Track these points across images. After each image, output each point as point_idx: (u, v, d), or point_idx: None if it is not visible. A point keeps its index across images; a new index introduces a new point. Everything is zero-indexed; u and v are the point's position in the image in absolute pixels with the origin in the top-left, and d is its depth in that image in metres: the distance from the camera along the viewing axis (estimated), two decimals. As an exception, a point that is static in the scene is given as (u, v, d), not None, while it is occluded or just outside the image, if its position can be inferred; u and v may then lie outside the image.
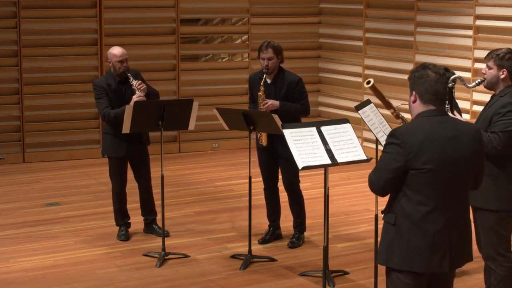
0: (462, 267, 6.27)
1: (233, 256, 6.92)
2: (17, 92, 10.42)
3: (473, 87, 5.51)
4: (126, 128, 6.75)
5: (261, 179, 7.30)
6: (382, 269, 4.32)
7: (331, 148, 5.33)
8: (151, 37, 10.92)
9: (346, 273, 6.55)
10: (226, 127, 6.89)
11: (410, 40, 10.23)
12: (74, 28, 10.58)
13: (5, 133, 10.42)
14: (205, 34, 11.68)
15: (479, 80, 5.35)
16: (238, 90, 11.36)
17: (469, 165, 4.12)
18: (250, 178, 6.76)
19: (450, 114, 5.29)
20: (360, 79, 11.00)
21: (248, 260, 6.75)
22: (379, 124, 6.10)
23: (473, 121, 8.59)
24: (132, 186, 7.60)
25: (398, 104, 6.40)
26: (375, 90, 6.26)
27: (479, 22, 9.36)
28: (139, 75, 7.31)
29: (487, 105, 5.27)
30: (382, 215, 4.28)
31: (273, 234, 7.34)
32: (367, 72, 10.89)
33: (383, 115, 6.23)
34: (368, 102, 6.31)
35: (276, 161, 7.11)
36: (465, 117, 8.60)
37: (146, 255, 6.95)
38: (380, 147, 5.41)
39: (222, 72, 11.38)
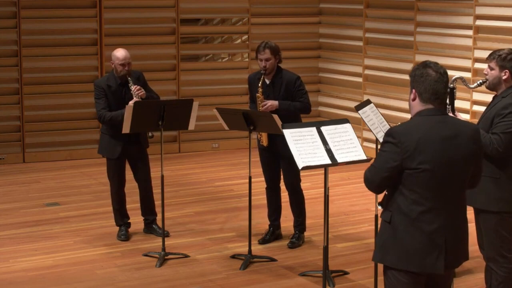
0: (463, 267, 6.30)
1: (233, 256, 6.92)
2: (17, 92, 10.42)
3: (474, 87, 5.51)
4: (126, 128, 6.75)
5: (261, 179, 7.30)
6: (382, 269, 4.31)
7: (331, 148, 5.33)
8: (151, 37, 10.92)
9: (346, 273, 6.55)
10: (226, 127, 6.89)
11: (410, 40, 10.23)
12: (74, 28, 10.58)
13: (5, 133, 10.42)
14: (205, 34, 11.69)
15: (481, 81, 5.34)
16: (238, 90, 11.36)
17: (466, 165, 4.11)
18: (250, 178, 6.76)
19: (451, 114, 5.30)
20: (360, 79, 11.01)
21: (248, 260, 6.75)
22: (379, 124, 6.10)
23: (474, 121, 8.62)
24: (132, 186, 7.60)
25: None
26: None
27: (479, 22, 9.36)
28: (141, 77, 7.31)
29: (489, 106, 5.26)
30: (380, 207, 4.28)
31: (273, 234, 7.34)
32: (367, 72, 10.89)
33: (383, 115, 6.23)
34: (368, 102, 6.31)
35: (278, 161, 7.11)
36: (465, 117, 8.61)
37: (146, 255, 6.95)
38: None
39: (222, 72, 11.38)
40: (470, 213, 4.45)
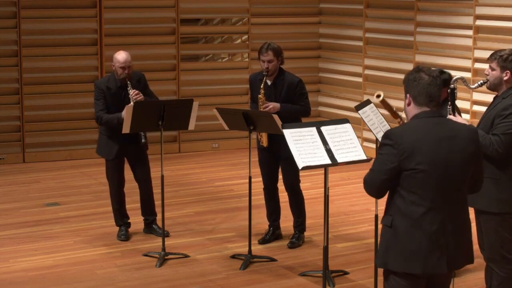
0: (463, 267, 6.29)
1: (233, 256, 6.92)
2: (17, 92, 10.42)
3: (475, 88, 5.50)
4: (126, 128, 6.75)
5: (261, 179, 7.30)
6: (381, 269, 4.32)
7: (331, 148, 5.33)
8: (151, 37, 10.92)
9: (346, 273, 6.55)
10: (226, 127, 6.89)
11: (410, 40, 10.23)
12: (74, 28, 10.58)
13: (5, 133, 10.42)
14: (205, 34, 11.69)
15: (481, 81, 5.34)
16: (238, 90, 11.36)
17: (464, 166, 4.11)
18: (250, 178, 6.76)
19: (451, 115, 5.30)
20: (360, 79, 11.01)
21: (248, 260, 6.75)
22: (379, 124, 6.10)
23: (474, 121, 8.62)
24: (132, 186, 7.60)
25: (401, 115, 6.40)
26: (384, 104, 6.27)
27: (479, 22, 9.36)
28: (142, 80, 7.31)
29: (490, 107, 5.26)
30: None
31: (273, 234, 7.34)
32: (367, 72, 10.89)
33: (383, 115, 6.23)
34: (368, 102, 6.31)
35: (276, 161, 7.11)
36: (465, 117, 8.60)
37: (146, 255, 6.95)
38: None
39: (222, 72, 11.38)
40: (470, 213, 4.45)
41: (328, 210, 5.64)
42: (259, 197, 7.74)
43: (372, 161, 4.27)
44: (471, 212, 4.50)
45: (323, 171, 5.54)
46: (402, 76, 10.42)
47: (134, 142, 7.20)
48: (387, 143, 4.08)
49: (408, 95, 4.16)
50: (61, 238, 7.46)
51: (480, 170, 4.26)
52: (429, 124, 4.09)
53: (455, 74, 6.03)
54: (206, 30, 11.69)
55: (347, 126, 5.50)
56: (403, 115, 6.24)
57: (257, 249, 7.04)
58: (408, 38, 10.27)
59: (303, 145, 5.31)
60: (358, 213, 8.23)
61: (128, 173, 7.44)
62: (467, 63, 9.47)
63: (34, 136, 10.54)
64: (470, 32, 9.45)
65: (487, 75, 5.26)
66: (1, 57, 10.30)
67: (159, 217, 7.34)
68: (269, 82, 7.01)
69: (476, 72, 9.32)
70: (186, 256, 6.93)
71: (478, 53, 9.29)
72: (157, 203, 7.42)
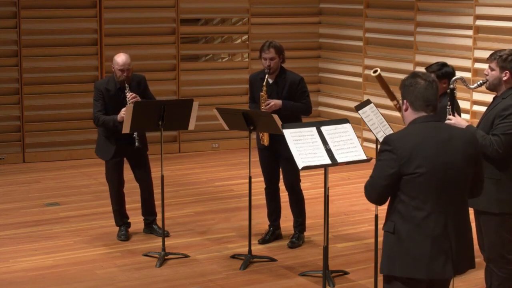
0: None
1: (233, 256, 6.92)
2: (17, 92, 10.42)
3: (475, 88, 5.50)
4: (126, 128, 6.75)
5: (261, 179, 7.30)
6: (383, 280, 4.31)
7: (331, 148, 5.33)
8: (151, 37, 10.92)
9: (346, 273, 6.55)
10: (226, 127, 6.89)
11: (410, 40, 10.23)
12: (74, 28, 10.58)
13: (5, 133, 10.42)
14: (205, 34, 11.69)
15: (481, 81, 5.34)
16: (238, 90, 11.36)
17: (463, 169, 4.11)
18: (250, 178, 6.76)
19: (450, 116, 5.30)
20: (360, 79, 11.01)
21: (248, 260, 6.75)
22: (379, 124, 6.10)
23: (474, 121, 8.62)
24: (131, 186, 7.60)
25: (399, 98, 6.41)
26: (380, 80, 6.28)
27: (479, 22, 9.36)
28: (142, 82, 7.30)
29: (489, 107, 5.25)
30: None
31: (273, 234, 7.34)
32: (367, 72, 10.89)
33: (383, 115, 6.23)
34: (368, 102, 6.31)
35: (277, 161, 7.11)
36: (465, 117, 8.61)
37: (146, 255, 6.95)
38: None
39: (222, 72, 11.38)
40: (470, 213, 4.45)
41: (328, 210, 5.64)
42: (259, 197, 7.74)
43: (372, 161, 4.27)
44: (471, 212, 4.49)
45: (323, 171, 5.54)
46: (402, 76, 10.44)
47: (132, 143, 7.19)
48: (386, 149, 4.09)
49: (405, 100, 4.17)
50: (61, 238, 7.46)
51: (480, 173, 4.26)
52: (427, 128, 4.10)
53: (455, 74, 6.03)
54: (206, 30, 11.69)
55: (347, 126, 5.50)
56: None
57: (257, 249, 7.04)
58: (408, 38, 10.27)
59: (303, 145, 5.31)
60: (358, 213, 8.23)
61: (128, 173, 7.44)
62: (467, 63, 9.47)
63: (34, 136, 10.54)
64: (470, 32, 9.45)
65: (487, 75, 5.25)
66: (1, 57, 10.30)
67: (159, 217, 7.34)
68: (270, 81, 7.01)
69: (476, 72, 9.32)
70: (186, 256, 6.93)
71: (478, 53, 9.29)
72: (157, 203, 7.42)
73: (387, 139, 4.12)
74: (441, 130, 4.12)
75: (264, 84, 6.94)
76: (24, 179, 9.66)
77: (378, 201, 4.22)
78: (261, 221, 7.63)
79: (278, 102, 6.91)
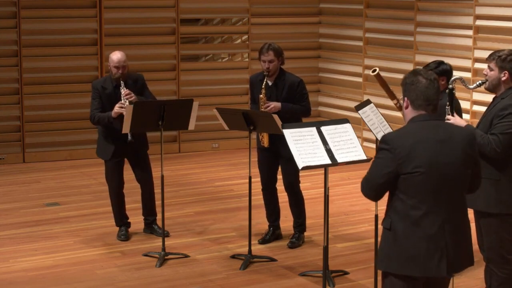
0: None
1: (233, 256, 6.92)
2: (17, 92, 10.42)
3: (474, 88, 5.50)
4: (126, 128, 6.75)
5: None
6: (381, 278, 4.32)
7: (331, 148, 5.33)
8: (151, 37, 10.92)
9: (346, 273, 6.55)
10: (226, 127, 6.89)
11: (410, 40, 10.23)
12: (74, 28, 10.58)
13: (5, 133, 10.42)
14: (205, 34, 11.68)
15: (480, 82, 5.34)
16: (238, 90, 11.36)
17: (461, 168, 4.12)
18: (250, 178, 6.76)
19: (449, 116, 5.30)
20: (360, 79, 11.01)
21: (248, 260, 6.75)
22: (379, 124, 6.10)
23: (474, 121, 8.62)
24: (131, 186, 7.60)
25: (399, 97, 6.42)
26: (379, 79, 6.28)
27: (479, 22, 9.36)
28: (139, 81, 7.29)
29: (489, 107, 5.25)
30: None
31: (273, 234, 7.34)
32: (367, 72, 10.88)
33: (383, 115, 6.24)
34: (368, 102, 6.32)
35: (276, 162, 7.11)
36: (465, 117, 8.60)
37: (146, 255, 6.95)
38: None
39: (222, 72, 11.38)
40: (470, 213, 4.45)
41: (328, 210, 5.64)
42: (259, 197, 7.73)
43: (371, 161, 4.28)
44: (470, 213, 4.50)
45: (323, 171, 5.54)
46: (402, 76, 10.43)
47: (131, 143, 7.18)
48: (384, 148, 4.10)
49: (405, 98, 4.17)
50: (61, 238, 7.46)
51: (478, 171, 4.27)
52: (426, 127, 4.10)
53: (455, 74, 6.03)
54: (206, 30, 11.69)
55: (347, 126, 5.50)
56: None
57: (257, 249, 7.04)
58: (408, 38, 10.27)
59: (303, 145, 5.31)
60: (358, 213, 8.23)
61: (128, 173, 7.44)
62: (467, 63, 9.47)
63: (34, 136, 10.54)
64: (470, 32, 9.45)
65: (486, 75, 5.26)
66: (1, 57, 10.30)
67: (159, 217, 7.34)
68: (270, 83, 7.01)
69: (476, 72, 9.32)
70: (186, 256, 6.93)
71: (478, 53, 9.29)
72: (157, 203, 7.42)
73: (385, 137, 4.13)
74: (440, 129, 4.12)
75: (263, 86, 6.94)
76: (24, 179, 9.66)
77: (373, 198, 4.24)
78: (261, 221, 7.63)
79: (278, 104, 6.91)
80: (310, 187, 8.76)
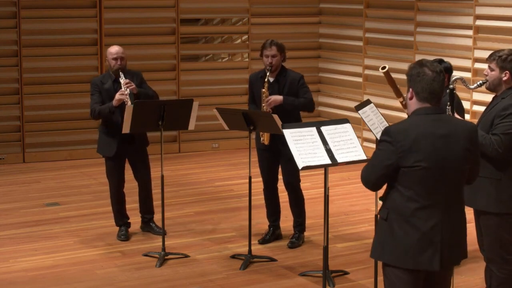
0: (464, 267, 6.30)
1: (233, 256, 6.92)
2: (17, 92, 10.42)
3: (474, 88, 5.50)
4: (126, 128, 6.75)
5: (261, 179, 7.30)
6: (381, 268, 4.32)
7: (331, 148, 5.33)
8: (151, 37, 10.92)
9: (346, 273, 6.55)
10: (226, 127, 6.89)
11: (410, 40, 10.23)
12: (74, 28, 10.58)
13: (5, 133, 10.42)
14: (205, 34, 11.68)
15: (480, 82, 5.34)
16: (238, 90, 11.36)
17: (462, 163, 4.13)
18: (250, 178, 6.76)
19: (450, 115, 5.29)
20: (360, 79, 11.01)
21: (248, 260, 6.75)
22: (379, 124, 6.10)
23: (474, 121, 8.61)
24: (132, 186, 7.60)
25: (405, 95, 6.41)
26: (388, 77, 6.27)
27: (479, 22, 9.36)
28: (138, 77, 7.30)
29: (489, 107, 5.25)
30: (380, 201, 4.32)
31: (273, 234, 7.34)
32: (367, 72, 10.89)
33: (383, 115, 6.23)
34: (368, 102, 6.32)
35: (277, 161, 7.11)
36: (466, 117, 8.59)
37: (146, 255, 6.95)
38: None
39: (222, 72, 11.38)
40: (469, 213, 4.45)
41: (328, 210, 5.64)
42: (259, 197, 7.73)
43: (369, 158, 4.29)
44: (470, 212, 4.50)
45: (323, 171, 5.54)
46: (402, 76, 10.39)
47: (130, 141, 7.19)
48: (385, 140, 4.11)
49: (411, 89, 4.17)
50: (61, 238, 7.46)
51: (477, 165, 4.28)
52: (428, 121, 4.10)
53: (455, 74, 6.03)
54: (206, 30, 11.69)
55: (347, 126, 5.50)
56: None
57: (257, 249, 7.04)
58: (408, 38, 10.27)
59: (303, 145, 5.31)
60: (358, 213, 8.23)
61: (128, 173, 7.44)
62: (467, 63, 9.47)
63: (34, 136, 10.54)
64: (470, 32, 9.45)
65: (486, 75, 5.26)
66: (1, 57, 10.30)
67: (159, 217, 7.33)
68: (271, 79, 7.02)
69: (476, 72, 9.32)
70: (186, 256, 6.93)
71: (478, 53, 9.29)
72: (157, 203, 7.42)
73: (388, 130, 4.14)
74: (443, 123, 4.12)
75: (266, 80, 6.94)
76: (24, 179, 9.66)
77: (372, 188, 4.26)
78: (261, 221, 7.63)
79: (279, 97, 6.91)
80: (310, 187, 8.76)
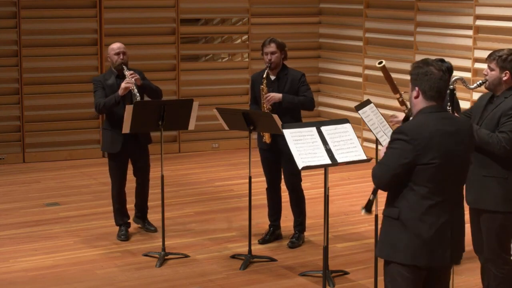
0: (464, 266, 6.30)
1: (233, 256, 6.92)
2: (17, 92, 10.42)
3: (474, 88, 5.51)
4: (126, 128, 6.75)
5: (261, 179, 7.31)
6: (382, 269, 4.32)
7: (331, 148, 5.34)
8: (151, 37, 10.92)
9: (346, 273, 6.55)
10: (226, 127, 6.89)
11: (410, 40, 10.23)
12: (74, 28, 10.58)
13: (5, 133, 10.42)
14: (205, 34, 11.68)
15: (480, 82, 5.35)
16: (238, 90, 11.36)
17: (466, 159, 4.24)
18: (250, 178, 6.76)
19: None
20: (360, 79, 11.01)
21: (248, 260, 6.75)
22: (379, 124, 6.10)
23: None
24: (132, 186, 7.60)
25: (403, 92, 6.42)
26: (385, 72, 6.27)
27: (479, 22, 9.36)
28: (139, 74, 7.31)
29: (491, 106, 5.23)
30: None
31: (273, 234, 7.34)
32: (367, 72, 10.89)
33: (383, 115, 6.23)
34: (368, 102, 6.32)
35: (279, 161, 7.10)
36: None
37: (146, 255, 6.95)
38: (380, 147, 5.41)
39: (222, 72, 11.38)
40: (466, 214, 4.46)
41: (328, 210, 5.64)
42: (259, 197, 7.74)
43: (373, 160, 4.30)
44: (467, 213, 4.51)
45: (323, 171, 5.54)
46: (402, 76, 10.45)
47: (134, 140, 7.19)
48: (401, 138, 4.12)
49: (417, 88, 4.19)
50: (61, 238, 7.46)
51: (471, 161, 4.38)
52: (438, 119, 4.16)
53: (455, 74, 6.03)
54: (206, 30, 11.69)
55: (347, 126, 5.50)
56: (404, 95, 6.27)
57: (257, 249, 7.04)
58: (408, 38, 10.27)
59: (303, 145, 5.31)
60: (358, 213, 8.19)
61: (129, 173, 7.43)
62: (467, 63, 9.48)
63: (34, 136, 10.54)
64: (470, 32, 9.45)
65: (486, 75, 5.26)
66: (1, 57, 10.30)
67: (159, 217, 7.32)
68: (272, 77, 7.01)
69: (476, 72, 9.32)
70: (186, 256, 6.93)
71: (478, 53, 9.29)
72: (157, 203, 7.41)
73: (402, 128, 4.16)
74: (449, 121, 4.20)
75: (264, 76, 6.94)
76: (24, 179, 9.66)
77: (385, 187, 4.25)
78: (261, 221, 7.63)
79: (278, 94, 6.90)
80: (310, 187, 8.76)
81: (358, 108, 6.22)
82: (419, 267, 4.16)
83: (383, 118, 6.15)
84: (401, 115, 5.43)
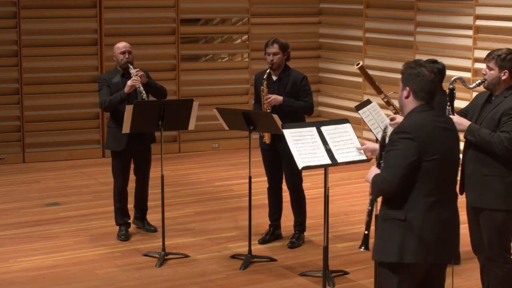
0: (463, 267, 6.30)
1: (233, 256, 6.92)
2: (17, 92, 10.42)
3: (473, 87, 5.51)
4: (126, 128, 6.75)
5: (261, 179, 7.31)
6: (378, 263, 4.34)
7: (331, 148, 5.34)
8: (151, 37, 10.92)
9: (346, 273, 6.55)
10: (226, 127, 6.89)
11: (410, 40, 10.23)
12: (74, 28, 10.58)
13: (5, 133, 10.42)
14: (205, 34, 11.68)
15: (479, 81, 5.35)
16: (238, 90, 11.36)
17: (458, 156, 4.32)
18: (250, 178, 6.76)
19: (451, 116, 5.30)
20: (360, 79, 11.01)
21: (248, 260, 6.75)
22: (379, 124, 6.10)
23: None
24: (132, 187, 7.60)
25: (390, 93, 6.42)
26: (363, 72, 6.27)
27: (479, 22, 9.36)
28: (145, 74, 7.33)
29: (490, 106, 5.23)
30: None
31: (273, 234, 7.34)
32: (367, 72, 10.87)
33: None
34: (368, 102, 6.32)
35: (280, 161, 7.10)
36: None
37: (146, 255, 6.95)
38: (369, 174, 5.38)
39: (222, 72, 11.38)
40: (462, 214, 4.47)
41: (328, 210, 5.64)
42: (259, 197, 7.74)
43: (373, 160, 4.30)
44: (464, 214, 4.53)
45: (323, 171, 5.54)
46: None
47: (138, 139, 7.19)
48: (405, 137, 4.13)
49: (407, 88, 4.23)
50: (61, 238, 7.46)
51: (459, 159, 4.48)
52: (431, 117, 4.21)
53: (455, 74, 6.04)
54: (206, 30, 11.69)
55: (347, 126, 5.51)
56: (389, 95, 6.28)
57: (257, 249, 7.04)
58: (408, 38, 10.27)
59: (303, 145, 5.32)
60: (358, 213, 8.22)
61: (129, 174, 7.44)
62: (467, 63, 9.48)
63: (34, 136, 10.54)
64: (470, 32, 9.45)
65: (485, 74, 5.26)
66: (1, 57, 10.30)
67: (159, 217, 7.32)
68: (274, 78, 7.01)
69: (476, 72, 9.32)
70: (186, 256, 6.93)
71: (478, 53, 9.29)
72: (157, 203, 7.41)
73: (403, 127, 4.17)
74: (442, 119, 4.27)
75: (264, 77, 6.94)
76: (24, 179, 9.66)
77: (395, 191, 4.17)
78: (261, 221, 7.63)
79: (279, 97, 6.90)
80: (310, 187, 8.75)
81: (358, 108, 6.22)
82: (419, 265, 4.17)
83: (385, 117, 6.15)
84: (399, 118, 5.42)
